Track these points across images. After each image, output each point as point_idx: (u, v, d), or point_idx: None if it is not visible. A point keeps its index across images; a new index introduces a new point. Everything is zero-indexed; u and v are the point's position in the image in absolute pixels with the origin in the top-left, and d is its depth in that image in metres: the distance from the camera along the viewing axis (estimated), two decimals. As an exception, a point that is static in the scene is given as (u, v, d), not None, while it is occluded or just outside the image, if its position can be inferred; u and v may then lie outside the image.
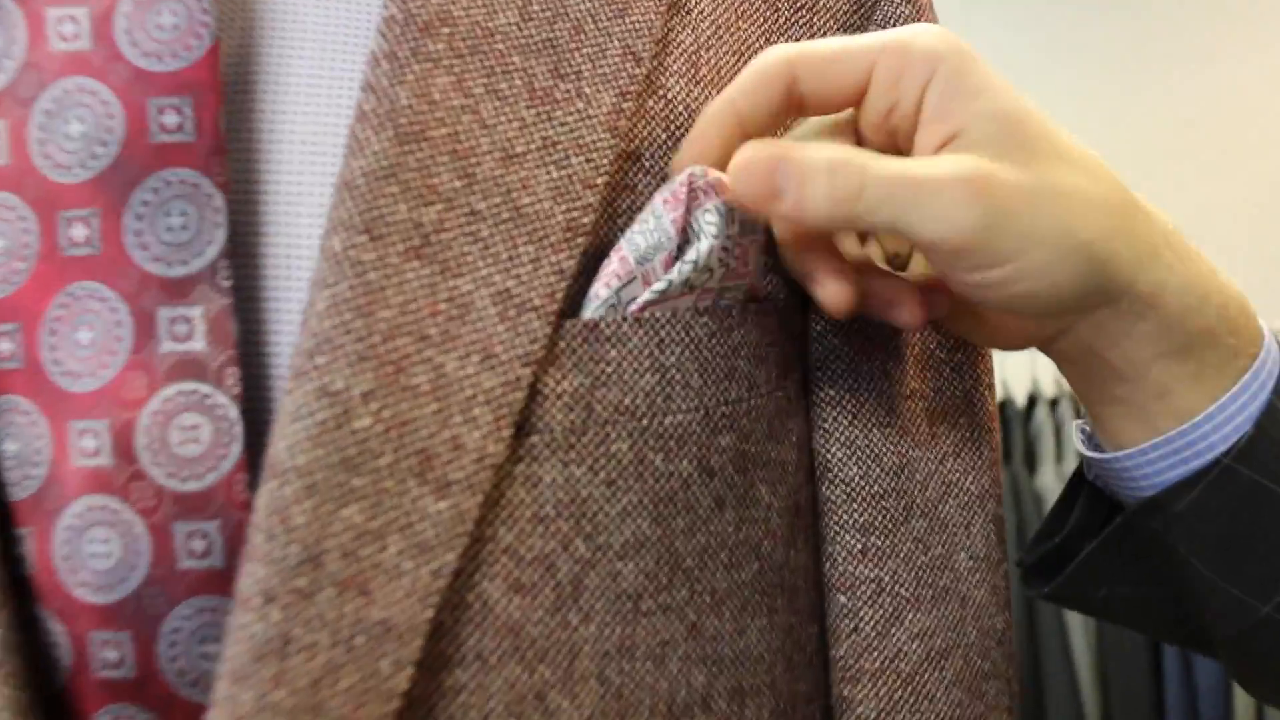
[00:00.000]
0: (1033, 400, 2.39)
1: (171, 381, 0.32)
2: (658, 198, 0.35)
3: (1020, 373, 2.57)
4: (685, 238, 0.35)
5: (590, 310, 0.34)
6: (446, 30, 0.34)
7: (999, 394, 2.44)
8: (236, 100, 0.34)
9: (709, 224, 0.35)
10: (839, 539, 0.43)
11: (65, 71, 0.33)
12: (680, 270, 0.34)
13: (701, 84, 0.39)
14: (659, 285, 0.34)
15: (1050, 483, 2.23)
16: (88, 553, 0.31)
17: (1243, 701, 2.13)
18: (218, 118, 0.32)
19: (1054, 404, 2.36)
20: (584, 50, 0.36)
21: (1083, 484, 0.47)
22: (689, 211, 0.35)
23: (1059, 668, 2.20)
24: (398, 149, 0.32)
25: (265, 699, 0.28)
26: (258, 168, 0.34)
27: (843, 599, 0.43)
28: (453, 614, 0.31)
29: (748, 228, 0.36)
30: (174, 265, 0.32)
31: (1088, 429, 0.45)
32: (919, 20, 0.46)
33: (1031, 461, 2.31)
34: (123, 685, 0.31)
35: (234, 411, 0.32)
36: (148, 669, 0.31)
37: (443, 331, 0.31)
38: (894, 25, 0.45)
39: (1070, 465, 2.22)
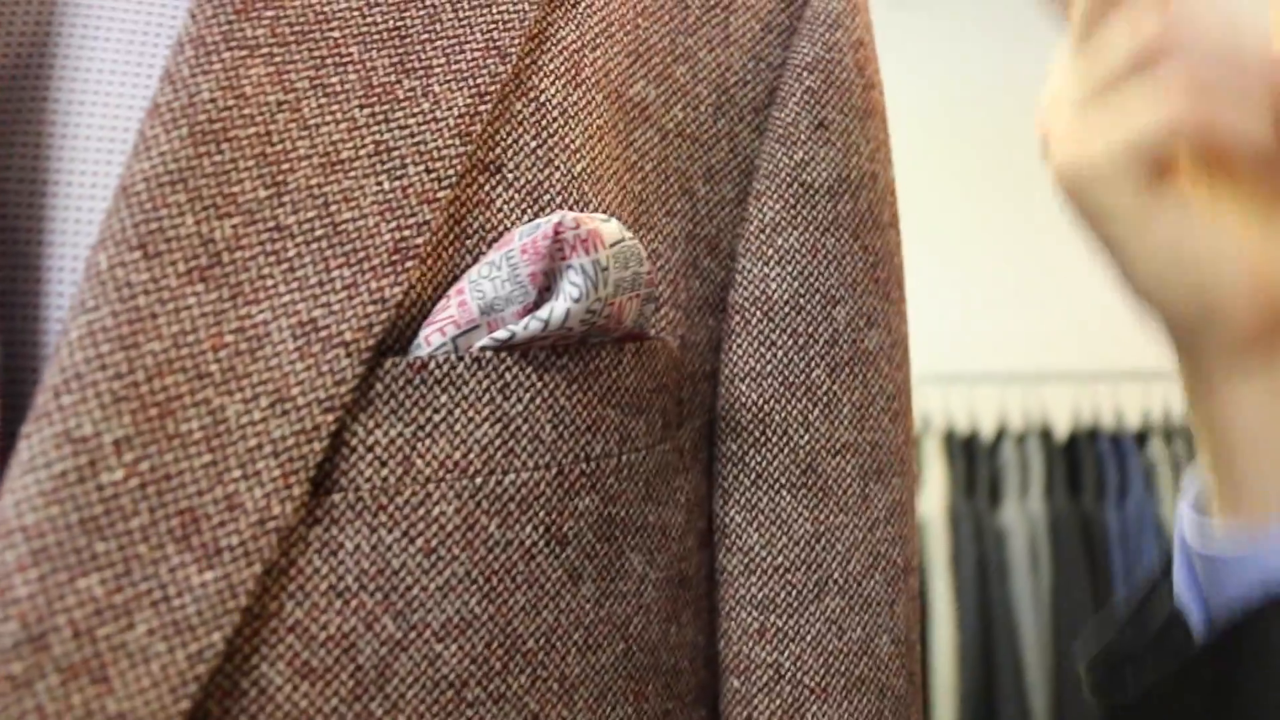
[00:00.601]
0: (1000, 434, 2.35)
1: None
2: (518, 239, 0.30)
3: (989, 406, 2.54)
4: (543, 295, 0.30)
5: (419, 350, 0.30)
6: (270, 14, 0.29)
7: (965, 426, 2.41)
8: (22, 88, 0.30)
9: (572, 284, 0.30)
10: (734, 615, 0.38)
11: None
12: (529, 325, 0.30)
13: (583, 86, 0.35)
14: (501, 333, 0.30)
15: (1013, 519, 2.19)
16: None
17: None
18: (-16, 107, 0.28)
19: (1021, 439, 2.33)
20: (438, 42, 0.31)
21: (1162, 590, 0.39)
22: (552, 266, 0.30)
23: (1013, 701, 2.16)
24: (191, 150, 0.27)
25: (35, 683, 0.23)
26: (44, 167, 0.29)
27: (736, 683, 0.38)
28: (220, 704, 0.26)
29: (625, 285, 0.31)
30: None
31: (1199, 508, 0.37)
32: (854, 16, 0.42)
33: (996, 496, 2.28)
34: None
35: (-13, 453, 0.27)
36: None
37: (226, 369, 0.26)
38: (826, 22, 0.41)
39: (1034, 502, 2.19)
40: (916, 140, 2.61)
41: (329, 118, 0.29)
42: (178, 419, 0.26)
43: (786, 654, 0.37)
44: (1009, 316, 2.66)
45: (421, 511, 0.28)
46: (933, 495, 2.23)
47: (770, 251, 0.39)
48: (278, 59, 0.29)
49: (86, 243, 0.29)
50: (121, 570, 0.25)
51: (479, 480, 0.29)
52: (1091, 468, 2.28)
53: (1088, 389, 2.51)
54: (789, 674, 0.37)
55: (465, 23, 0.32)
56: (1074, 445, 2.32)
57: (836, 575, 0.38)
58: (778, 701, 0.37)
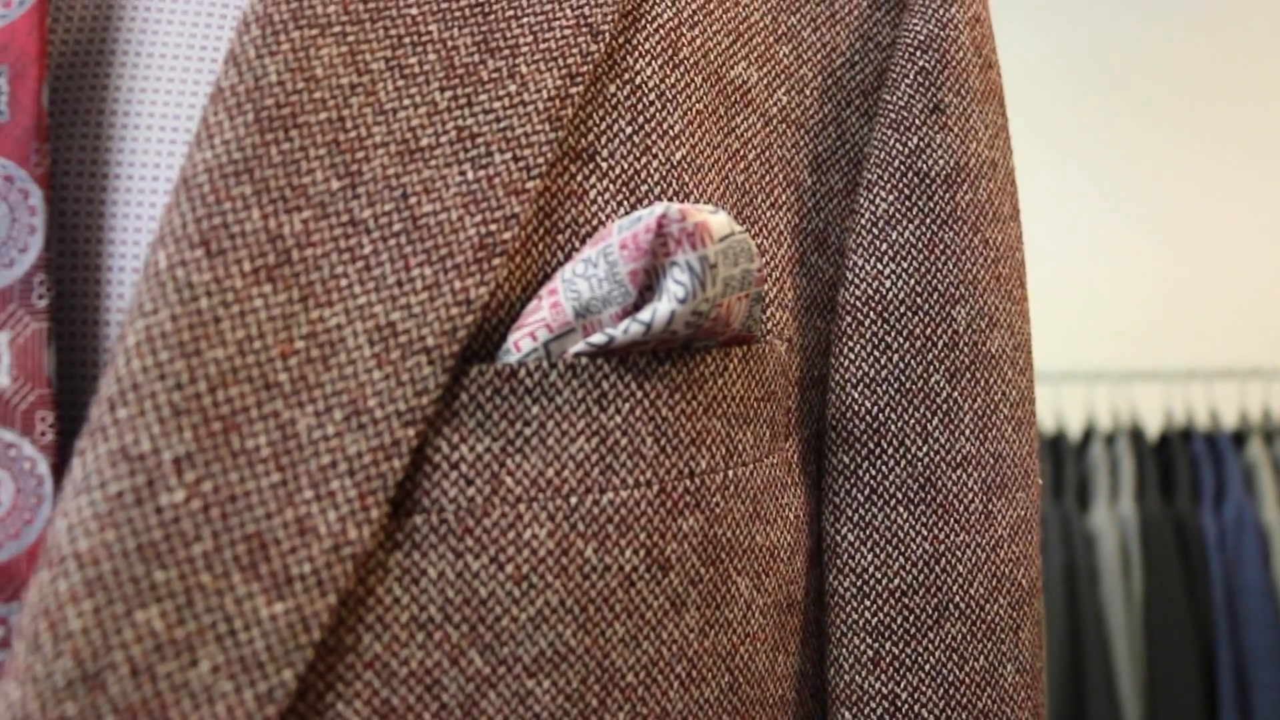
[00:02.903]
0: (1088, 434, 2.29)
1: (-36, 426, 0.25)
2: (617, 233, 0.27)
3: (1076, 404, 2.48)
4: (643, 293, 0.28)
5: (507, 356, 0.27)
6: None
7: (1052, 426, 2.35)
8: (81, 76, 0.27)
9: (677, 283, 0.27)
10: (846, 642, 0.35)
11: None
12: (629, 329, 0.27)
13: (681, 67, 0.32)
14: (598, 338, 0.27)
15: (1103, 522, 2.13)
16: None
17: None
18: (39, 93, 0.26)
19: (1110, 439, 2.26)
20: (524, 19, 0.29)
21: None
22: (654, 264, 0.27)
23: (1104, 710, 2.10)
24: (257, 138, 0.25)
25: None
26: (104, 160, 0.27)
27: (848, 715, 0.35)
28: None
29: (734, 284, 0.28)
30: (-25, 279, 0.25)
31: None
32: (974, 25, 0.38)
33: (1084, 499, 2.22)
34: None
35: (43, 466, 0.25)
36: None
37: (296, 378, 0.24)
38: (934, 9, 0.38)
39: (1125, 504, 2.12)
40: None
41: (407, 102, 0.27)
42: (243, 434, 0.23)
43: (903, 684, 0.34)
44: (1096, 312, 2.59)
45: (511, 534, 0.26)
46: (1019, 497, 2.18)
47: (884, 246, 0.36)
48: (351, 38, 0.26)
49: (148, 239, 0.27)
50: (183, 602, 0.22)
51: (574, 500, 0.26)
52: (1186, 469, 2.21)
53: (1179, 387, 2.44)
54: (905, 706, 0.34)
55: None
56: (1166, 445, 2.25)
57: (958, 599, 0.35)
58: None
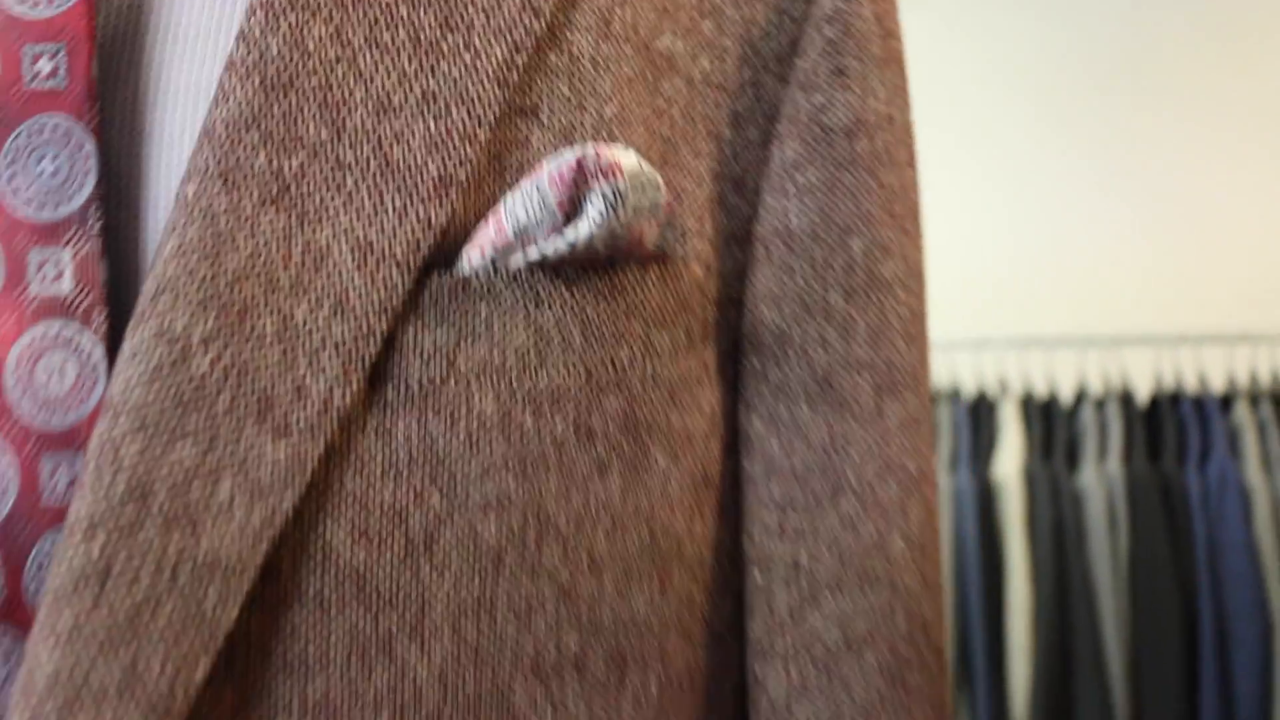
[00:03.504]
0: (1079, 398, 2.36)
1: (39, 321, 0.32)
2: (547, 169, 0.35)
3: (1068, 369, 2.54)
4: (570, 217, 0.35)
5: (462, 269, 0.34)
6: None
7: (1044, 390, 2.41)
8: (125, 50, 0.35)
9: (594, 210, 0.34)
10: (756, 514, 0.42)
11: None
12: (556, 246, 0.34)
13: (613, 40, 0.39)
14: (533, 253, 0.34)
15: (1091, 481, 2.20)
16: (-44, 487, 0.32)
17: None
18: (90, 65, 0.33)
19: (1100, 403, 2.33)
20: (478, 3, 0.36)
21: None
22: (575, 193, 0.34)
23: (1089, 663, 2.18)
24: (263, 98, 0.32)
25: (82, 624, 0.29)
26: (141, 117, 0.34)
27: (758, 576, 0.42)
28: (292, 557, 0.31)
29: (643, 209, 0.35)
30: (45, 209, 0.32)
31: None
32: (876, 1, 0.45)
33: (1073, 460, 2.28)
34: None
35: (99, 351, 0.32)
36: (15, 593, 0.32)
37: (294, 279, 0.31)
38: None
39: (1113, 464, 2.19)
40: (988, 96, 2.61)
41: (381, 69, 0.34)
42: (254, 319, 0.31)
43: (803, 549, 0.41)
44: (1088, 279, 2.65)
45: (463, 405, 0.33)
46: (1009, 458, 2.25)
47: (791, 187, 0.43)
48: (336, 20, 0.34)
49: (177, 178, 0.34)
50: (207, 441, 0.30)
51: (514, 379, 0.34)
52: (1173, 431, 2.28)
53: (1170, 352, 2.50)
54: (805, 567, 0.41)
55: None
56: (1155, 409, 2.32)
57: (851, 480, 0.42)
58: (795, 592, 0.41)
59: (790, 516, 0.41)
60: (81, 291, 0.32)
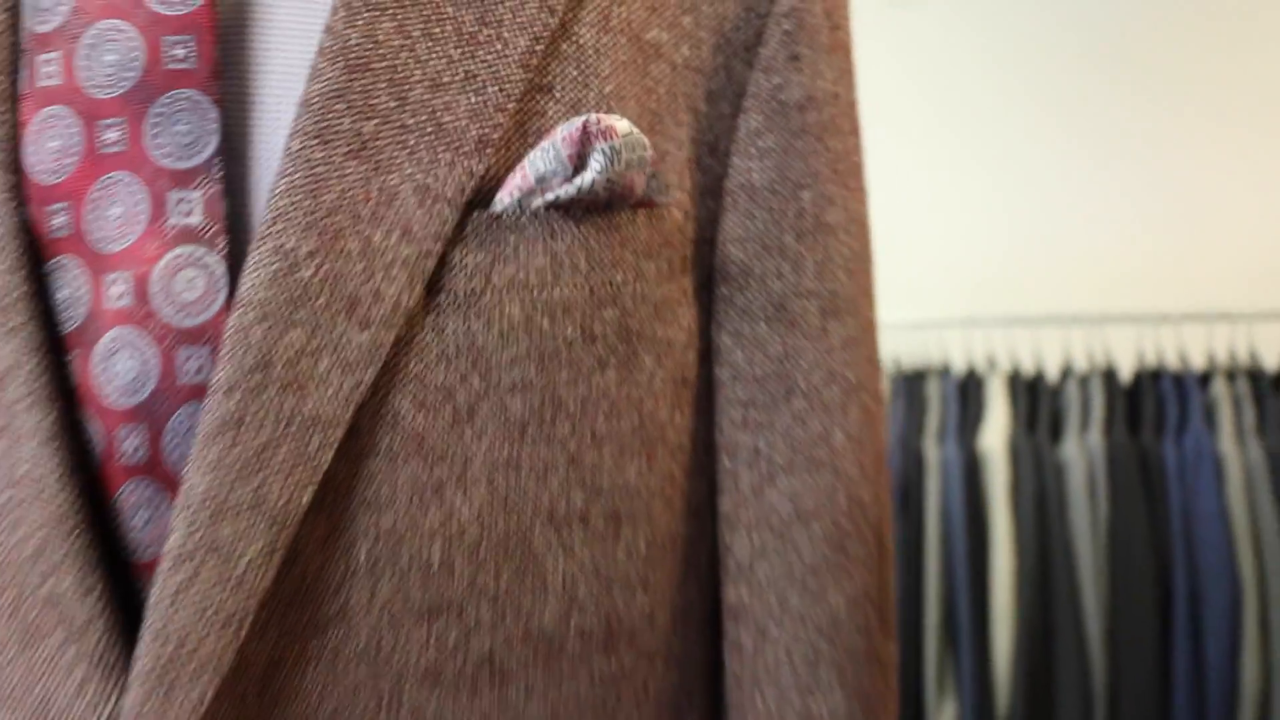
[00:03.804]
0: (1065, 374, 2.44)
1: (177, 245, 0.43)
2: (560, 131, 0.45)
3: (1053, 347, 2.64)
4: (577, 169, 0.45)
5: (496, 207, 0.45)
6: None
7: (1030, 367, 2.50)
8: (234, 40, 0.45)
9: (595, 163, 0.45)
10: (725, 411, 0.53)
11: (102, 15, 0.44)
12: (566, 190, 0.44)
13: (611, 32, 0.49)
14: (550, 196, 0.45)
15: (1073, 453, 2.29)
16: (116, 369, 0.42)
17: (1251, 673, 2.19)
18: (214, 51, 0.43)
19: (1084, 379, 2.42)
20: (506, 4, 0.46)
21: None
22: (582, 150, 0.45)
23: (1069, 626, 2.26)
24: (346, 77, 0.42)
25: (223, 457, 0.39)
26: (249, 90, 0.45)
27: (726, 461, 0.53)
28: (370, 419, 0.42)
29: (633, 164, 0.46)
30: (180, 160, 0.43)
31: None
32: None
33: (1057, 432, 2.37)
34: (138, 466, 0.43)
35: (221, 268, 0.43)
36: (156, 455, 0.43)
37: (372, 213, 0.42)
38: None
39: (1094, 436, 2.28)
40: (980, 83, 2.70)
41: (434, 55, 0.44)
42: (343, 241, 0.41)
43: (762, 438, 0.52)
44: (1074, 261, 2.74)
45: (497, 310, 0.44)
46: (995, 431, 2.33)
47: (754, 150, 0.53)
48: (399, 17, 0.44)
49: (278, 140, 0.44)
50: (312, 328, 0.40)
51: (535, 292, 0.44)
52: (1152, 405, 2.36)
53: (1151, 330, 2.59)
54: (764, 453, 0.52)
55: None
56: (1136, 384, 2.40)
57: (801, 384, 0.52)
58: (755, 474, 0.52)
59: (752, 412, 0.52)
60: (208, 222, 0.43)
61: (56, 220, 0.43)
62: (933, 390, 2.46)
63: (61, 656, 0.42)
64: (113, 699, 0.41)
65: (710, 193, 0.53)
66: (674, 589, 0.51)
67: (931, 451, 2.35)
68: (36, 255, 0.44)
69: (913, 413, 2.43)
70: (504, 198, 0.44)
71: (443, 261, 0.43)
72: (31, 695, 0.44)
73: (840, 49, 0.55)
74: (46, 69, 0.44)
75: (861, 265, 0.55)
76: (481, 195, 0.44)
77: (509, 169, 0.45)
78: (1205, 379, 2.39)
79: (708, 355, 0.53)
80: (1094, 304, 2.64)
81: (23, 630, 0.44)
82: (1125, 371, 2.47)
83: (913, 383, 2.47)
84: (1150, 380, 2.39)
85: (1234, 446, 2.27)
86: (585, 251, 0.45)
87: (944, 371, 2.49)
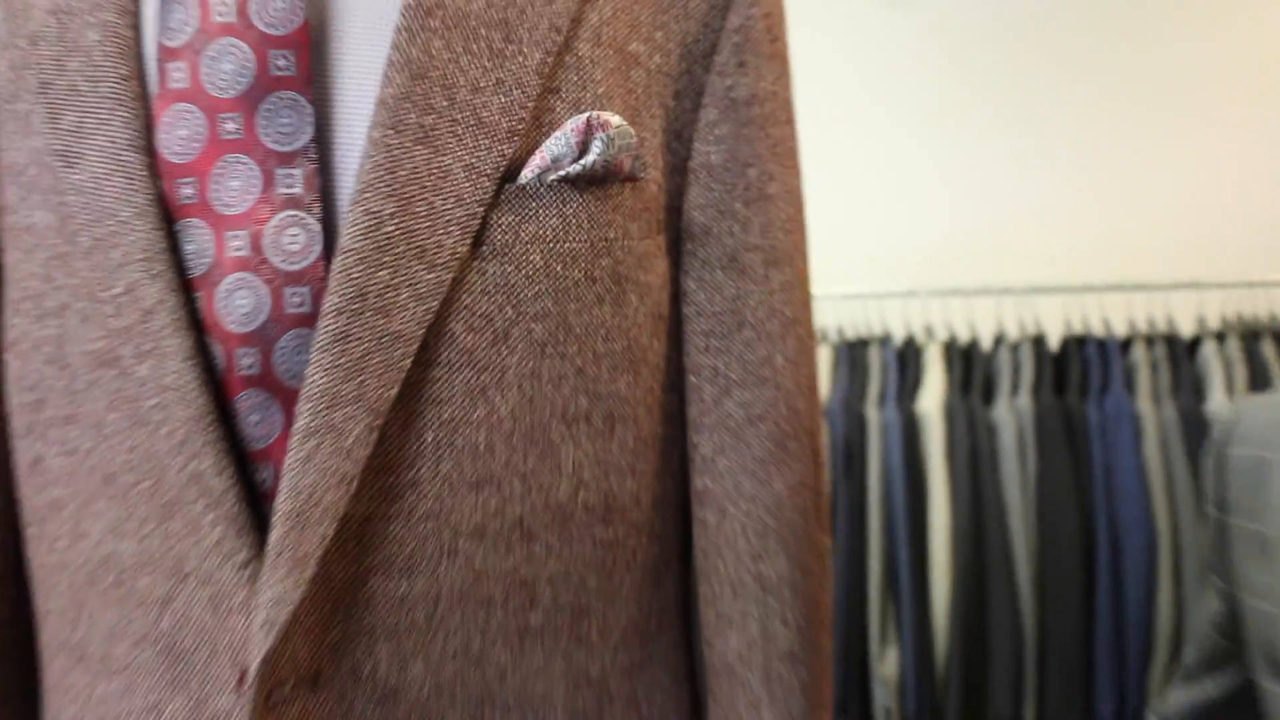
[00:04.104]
0: (998, 342, 2.61)
1: (283, 209, 0.57)
2: (569, 124, 0.59)
3: (986, 317, 2.81)
4: (582, 153, 0.59)
5: (521, 180, 0.59)
6: (440, 13, 0.58)
7: (966, 335, 2.67)
8: (319, 53, 0.59)
9: (596, 148, 0.59)
10: (691, 339, 0.68)
11: (221, 34, 0.57)
12: (574, 169, 0.59)
13: (602, 46, 0.63)
14: (561, 173, 0.59)
15: (1003, 414, 2.45)
16: (236, 304, 0.56)
17: (1165, 611, 2.37)
18: (308, 62, 0.57)
19: (1015, 347, 2.58)
20: (524, 26, 0.60)
21: None
22: (585, 138, 0.59)
23: (1002, 574, 2.43)
24: (410, 83, 0.56)
25: (336, 362, 0.54)
26: (331, 92, 0.58)
27: (692, 378, 0.68)
28: (434, 337, 0.56)
29: (623, 148, 0.60)
30: (284, 145, 0.57)
31: None
32: (767, 18, 0.69)
33: (989, 396, 2.54)
34: (253, 378, 0.57)
35: (317, 227, 0.57)
36: (267, 369, 0.57)
37: (434, 184, 0.56)
38: (747, 2, 0.68)
39: (1023, 398, 2.45)
40: (918, 67, 2.86)
41: (473, 66, 0.58)
42: (414, 205, 0.55)
43: (720, 359, 0.67)
44: (1006, 236, 2.91)
45: (524, 257, 0.58)
46: (932, 395, 2.49)
47: (711, 137, 0.67)
48: (447, 37, 0.58)
49: (355, 130, 0.58)
50: (394, 269, 0.54)
51: (551, 244, 0.59)
52: (1077, 369, 2.53)
53: (1077, 300, 2.76)
54: (722, 373, 0.67)
55: (538, 14, 0.61)
56: (1064, 351, 2.56)
57: (749, 318, 0.67)
58: (715, 388, 0.67)
59: (711, 340, 0.67)
60: (307, 193, 0.57)
61: (185, 191, 0.57)
62: (874, 357, 2.62)
63: (201, 520, 0.56)
64: (243, 550, 0.55)
65: (677, 170, 0.67)
66: (654, 478, 0.66)
67: (873, 414, 2.51)
68: (169, 217, 0.58)
69: (855, 378, 2.59)
70: (527, 174, 0.59)
71: (484, 222, 0.57)
72: (169, 556, 0.58)
73: (778, 56, 0.70)
74: (175, 75, 0.57)
75: (797, 226, 0.69)
76: (510, 172, 0.59)
77: (530, 152, 0.59)
78: (1126, 345, 2.56)
79: (677, 297, 0.67)
80: (1024, 276, 2.81)
81: (161, 507, 0.57)
82: (1053, 338, 2.63)
83: (855, 350, 2.63)
84: (1075, 346, 2.56)
85: (1150, 406, 2.44)
86: (587, 214, 0.60)
87: (884, 340, 2.65)
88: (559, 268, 0.59)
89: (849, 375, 2.59)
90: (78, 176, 0.58)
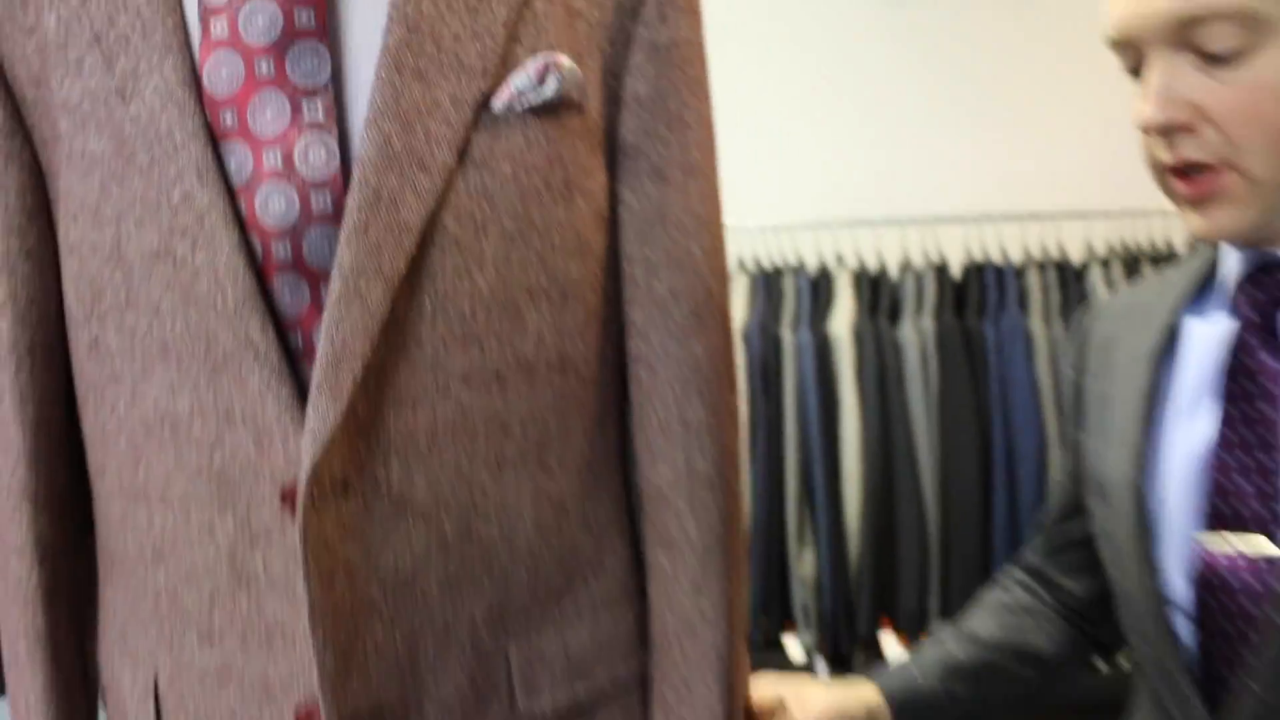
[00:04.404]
0: (903, 269, 2.80)
1: (308, 133, 0.73)
2: (530, 64, 0.76)
3: (893, 248, 3.00)
4: (542, 85, 0.76)
5: (494, 109, 0.76)
6: None
7: (875, 263, 2.86)
8: (332, 10, 0.75)
9: (552, 83, 0.76)
10: (625, 235, 0.85)
11: None
12: (534, 99, 0.76)
13: (553, 4, 0.79)
14: (525, 101, 0.76)
15: (908, 334, 2.64)
16: (271, 207, 0.73)
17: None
18: (325, 18, 0.73)
19: (920, 274, 2.78)
20: None
21: None
22: (543, 75, 0.76)
23: (908, 481, 2.64)
24: (407, 34, 0.73)
25: (360, 244, 0.70)
26: (342, 42, 0.74)
27: (625, 266, 0.85)
28: (431, 227, 0.73)
29: (572, 84, 0.77)
30: (308, 82, 0.73)
31: None
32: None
33: (895, 318, 2.73)
34: (286, 265, 0.73)
35: (334, 145, 0.73)
36: (298, 257, 0.73)
37: (428, 110, 0.72)
38: None
39: (926, 320, 2.65)
40: (826, 7, 3.02)
41: (454, 20, 0.74)
42: (414, 126, 0.72)
43: (649, 248, 0.84)
44: (911, 169, 3.11)
45: (497, 167, 0.75)
46: (842, 319, 2.68)
47: (638, 74, 0.84)
48: None
49: (363, 72, 0.74)
50: (399, 174, 0.71)
51: (517, 159, 0.76)
52: (976, 293, 2.73)
53: (976, 229, 2.97)
54: (651, 259, 0.84)
55: None
56: (965, 276, 2.76)
57: (672, 218, 0.84)
58: (645, 271, 0.84)
59: (642, 234, 0.84)
60: (326, 119, 0.73)
61: (227, 119, 0.73)
62: (788, 285, 2.80)
63: (249, 373, 0.73)
64: (283, 393, 0.72)
65: (613, 102, 0.84)
66: (598, 342, 0.84)
67: (788, 337, 2.69)
68: (214, 141, 0.73)
69: (771, 304, 2.78)
70: (498, 104, 0.75)
71: (467, 140, 0.74)
72: (218, 406, 0.74)
73: (692, 10, 0.87)
74: (217, 27, 0.73)
75: (709, 146, 0.87)
76: (485, 102, 0.75)
77: (499, 86, 0.76)
78: (1021, 271, 2.76)
79: (614, 202, 0.85)
80: (928, 208, 3.00)
81: (213, 367, 0.74)
82: (955, 266, 2.82)
83: (771, 278, 2.81)
84: (975, 272, 2.75)
85: (1042, 325, 2.64)
86: (545, 135, 0.77)
87: (798, 269, 2.83)
88: (524, 176, 0.76)
89: (765, 301, 2.78)
90: (134, 109, 0.73)
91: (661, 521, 0.85)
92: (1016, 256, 2.96)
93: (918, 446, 2.66)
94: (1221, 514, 0.82)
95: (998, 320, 2.66)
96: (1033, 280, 2.76)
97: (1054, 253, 2.86)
